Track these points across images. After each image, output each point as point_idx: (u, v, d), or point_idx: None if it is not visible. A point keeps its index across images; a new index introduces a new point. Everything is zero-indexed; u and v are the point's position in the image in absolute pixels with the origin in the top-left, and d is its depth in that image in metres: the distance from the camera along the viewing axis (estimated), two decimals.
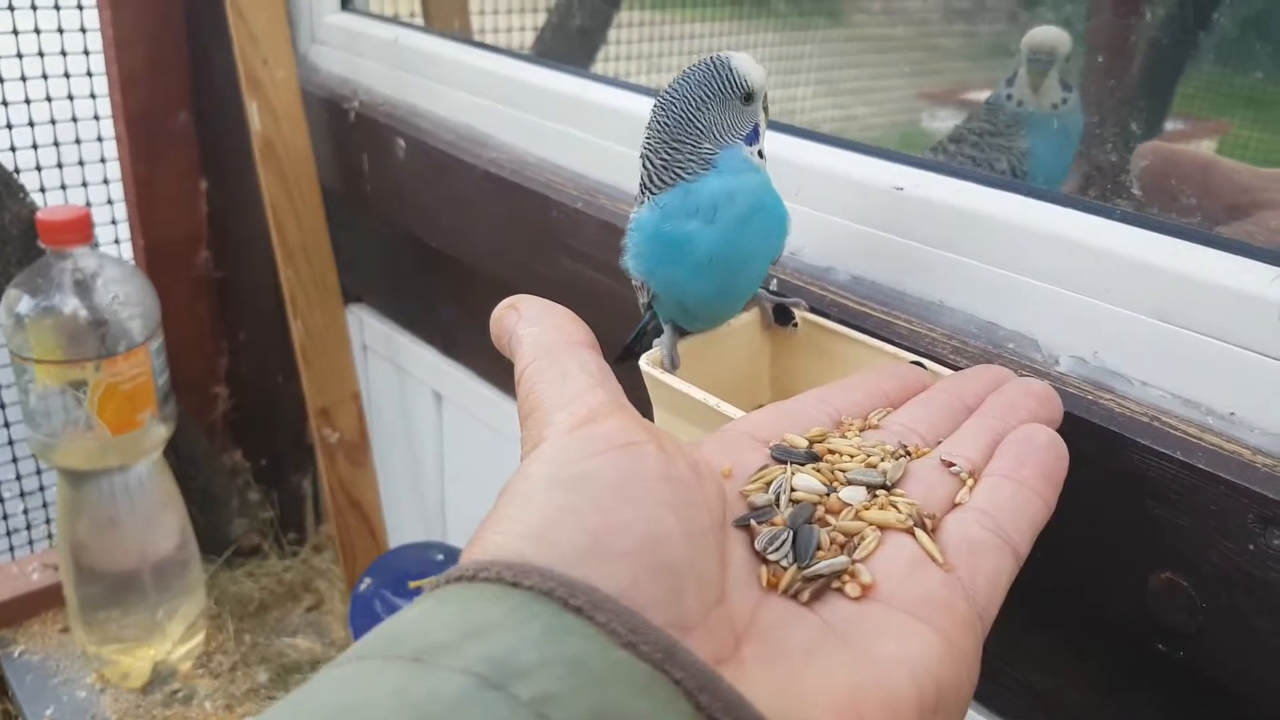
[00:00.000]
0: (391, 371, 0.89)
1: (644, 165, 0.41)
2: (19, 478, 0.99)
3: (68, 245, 0.77)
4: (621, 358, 0.48)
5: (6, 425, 0.96)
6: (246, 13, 0.74)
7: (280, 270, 0.79)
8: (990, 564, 0.27)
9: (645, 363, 0.42)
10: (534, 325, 0.29)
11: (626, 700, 0.19)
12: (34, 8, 0.85)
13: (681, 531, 0.23)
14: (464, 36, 0.73)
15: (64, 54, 0.89)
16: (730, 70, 0.39)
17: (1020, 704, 0.45)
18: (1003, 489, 0.29)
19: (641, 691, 0.19)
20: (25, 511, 1.00)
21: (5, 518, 0.99)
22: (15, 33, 0.85)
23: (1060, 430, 0.35)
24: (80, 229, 0.77)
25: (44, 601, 0.92)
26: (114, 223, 0.97)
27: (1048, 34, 0.51)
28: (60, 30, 0.88)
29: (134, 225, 0.97)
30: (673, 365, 0.43)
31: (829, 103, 1.17)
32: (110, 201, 0.97)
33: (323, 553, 1.04)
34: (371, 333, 0.90)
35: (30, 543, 1.02)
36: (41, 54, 0.88)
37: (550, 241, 0.59)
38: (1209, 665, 0.36)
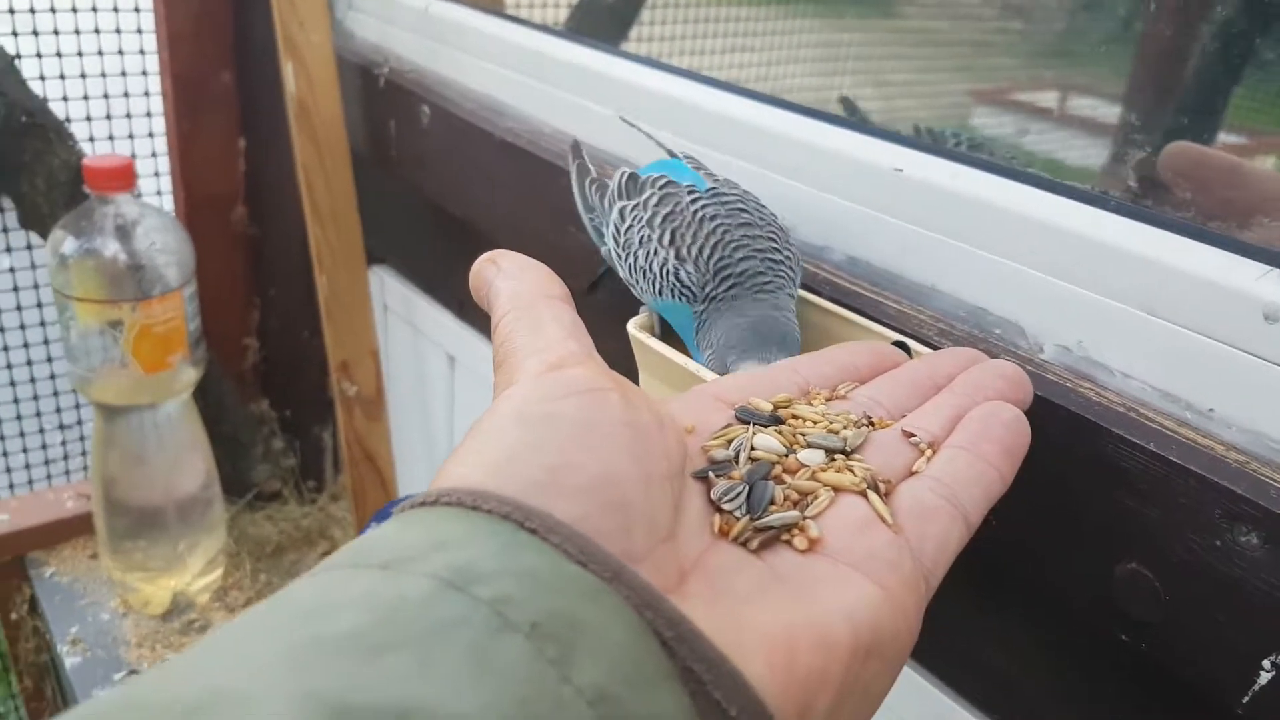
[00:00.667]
0: (409, 333, 0.91)
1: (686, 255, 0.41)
2: (59, 410, 1.03)
3: (111, 191, 0.80)
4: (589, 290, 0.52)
5: (50, 360, 0.99)
6: None
7: (309, 229, 0.81)
8: (939, 529, 0.28)
9: (632, 326, 0.43)
10: (512, 279, 0.30)
11: (577, 606, 0.20)
12: None
13: (637, 474, 0.24)
14: (490, 8, 0.74)
15: (116, 10, 0.91)
16: None
17: (987, 690, 0.46)
18: (959, 459, 0.30)
19: (591, 599, 0.20)
20: (64, 443, 1.04)
21: (45, 447, 1.03)
22: None
23: (1037, 416, 0.36)
24: (123, 177, 0.80)
25: (76, 528, 0.96)
26: (157, 175, 1.00)
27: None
28: None
29: (175, 179, 0.99)
30: (659, 331, 0.43)
31: (873, 93, 1.16)
32: (155, 155, 1.00)
33: (339, 502, 1.08)
34: (392, 294, 0.92)
35: (67, 473, 1.07)
36: (95, 9, 0.90)
37: (559, 211, 0.60)
38: (1170, 658, 0.36)
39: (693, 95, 0.57)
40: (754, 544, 0.26)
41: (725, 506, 0.27)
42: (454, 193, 0.72)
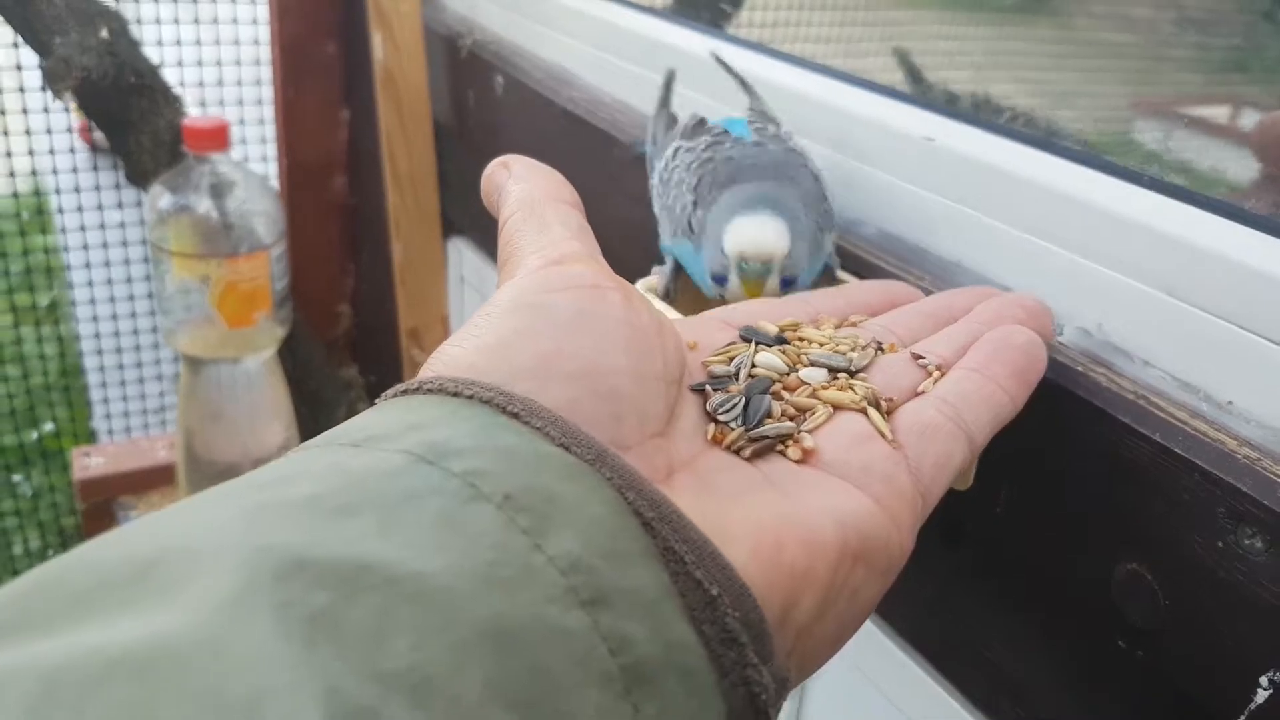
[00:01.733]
0: (482, 304, 0.92)
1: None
2: (159, 362, 1.09)
3: (207, 151, 0.84)
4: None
5: (152, 314, 1.05)
6: None
7: (388, 195, 0.83)
8: (940, 447, 0.27)
9: (641, 286, 0.42)
10: (522, 182, 0.30)
11: (554, 483, 0.20)
12: None
13: (630, 369, 0.24)
14: None
15: None
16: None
17: (991, 690, 0.43)
18: (969, 380, 0.29)
19: (569, 477, 0.20)
20: (161, 394, 1.10)
21: (143, 398, 1.09)
22: None
23: (1046, 401, 0.34)
24: (218, 138, 0.83)
25: (164, 477, 1.01)
26: (264, 141, 1.05)
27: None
28: None
29: (280, 146, 1.04)
30: (666, 294, 0.43)
31: (1035, 104, 1.12)
32: (262, 122, 1.04)
33: None
34: (469, 265, 0.93)
35: (164, 423, 1.12)
36: None
37: (613, 181, 0.59)
38: (1165, 668, 0.34)
39: (729, 56, 0.56)
40: (747, 452, 0.26)
41: (721, 417, 0.26)
42: None
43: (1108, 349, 0.37)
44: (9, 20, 0.78)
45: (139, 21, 0.90)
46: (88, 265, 0.99)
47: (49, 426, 1.30)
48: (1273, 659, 0.30)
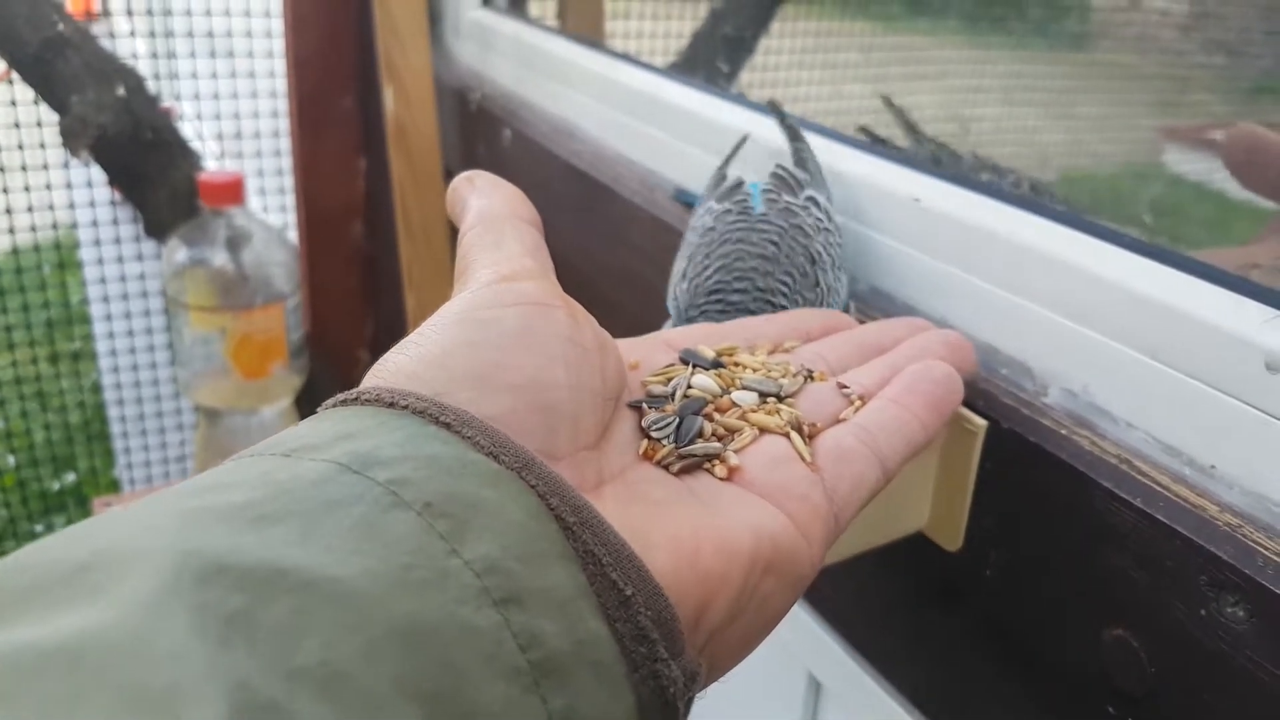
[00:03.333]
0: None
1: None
2: (179, 412, 1.10)
3: (222, 205, 0.86)
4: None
5: (171, 364, 1.07)
6: (391, 6, 0.80)
7: (400, 244, 0.84)
8: (855, 470, 0.28)
9: None
10: (483, 197, 0.30)
11: (475, 490, 0.20)
12: None
13: (568, 384, 0.25)
14: (573, 34, 0.76)
15: (249, 35, 0.98)
16: None
17: None
18: (886, 410, 0.30)
19: (491, 484, 0.21)
20: (183, 444, 1.11)
21: (164, 446, 1.10)
22: (208, 13, 0.95)
23: (1031, 463, 0.35)
24: (233, 192, 0.85)
25: None
26: (282, 191, 1.07)
27: None
28: (247, 13, 0.97)
29: (298, 196, 1.05)
30: None
31: (1059, 125, 1.12)
32: (280, 172, 1.06)
33: None
34: None
35: (185, 472, 1.13)
36: (230, 34, 0.97)
37: (613, 234, 0.60)
38: None
39: (719, 114, 0.57)
40: (676, 468, 0.27)
41: (654, 434, 0.28)
42: None
43: (1092, 410, 0.37)
44: (27, 79, 0.80)
45: (158, 77, 0.93)
46: (109, 317, 1.01)
47: (70, 477, 1.32)
48: None
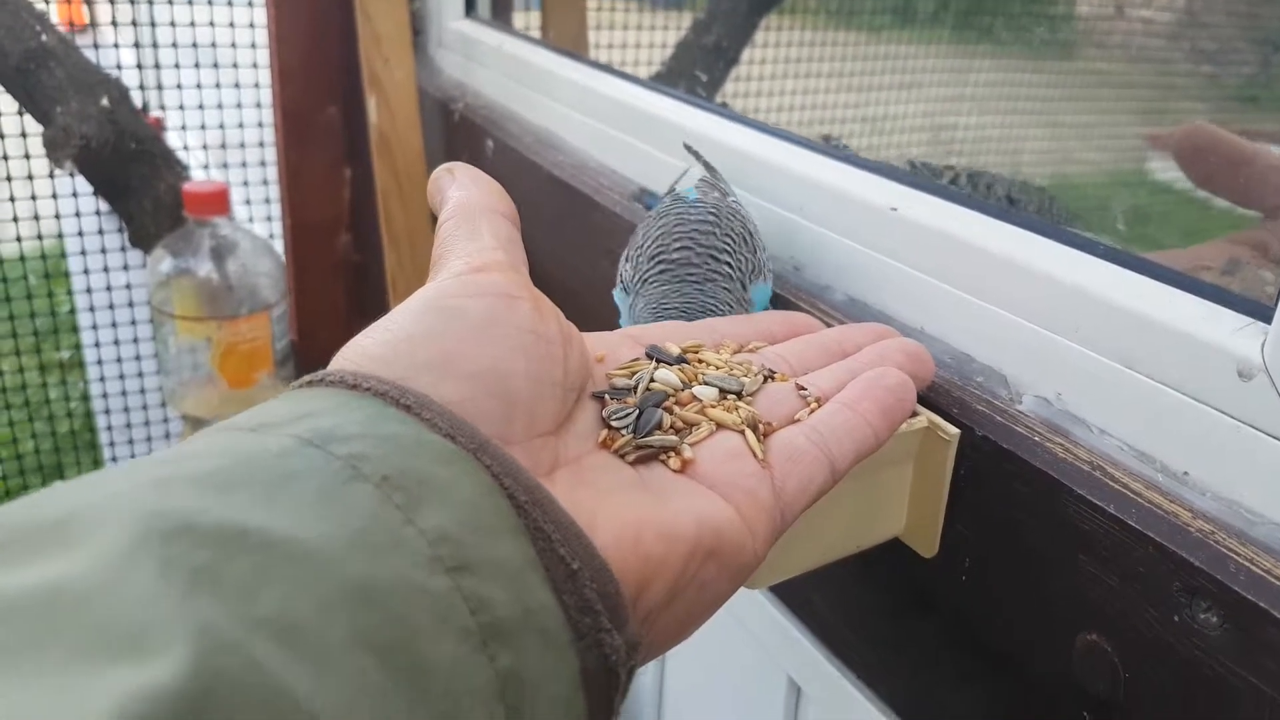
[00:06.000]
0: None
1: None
2: (166, 420, 1.10)
3: (207, 215, 0.86)
4: None
5: (159, 373, 1.07)
6: (373, 16, 0.80)
7: (385, 254, 0.85)
8: (804, 470, 0.29)
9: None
10: (462, 189, 0.31)
11: (431, 467, 0.21)
12: (210, 2, 0.95)
13: (528, 373, 0.26)
14: (555, 45, 0.76)
15: (234, 46, 0.98)
16: None
17: None
18: (840, 414, 0.31)
19: (446, 462, 0.22)
20: None
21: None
22: (192, 25, 0.95)
23: (1005, 470, 0.36)
24: (218, 202, 0.85)
25: None
26: (268, 202, 1.07)
27: None
28: (232, 25, 0.97)
29: (284, 206, 1.05)
30: None
31: (1044, 134, 1.13)
32: (266, 182, 1.06)
33: None
34: None
35: None
36: (215, 45, 0.97)
37: (593, 244, 0.60)
38: None
39: (698, 124, 0.57)
40: (631, 457, 0.28)
41: (614, 424, 0.29)
42: None
43: (1066, 418, 0.37)
44: (10, 90, 0.80)
45: (144, 88, 0.93)
46: (96, 326, 1.01)
47: None
48: None
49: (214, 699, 0.15)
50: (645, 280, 0.42)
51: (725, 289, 0.41)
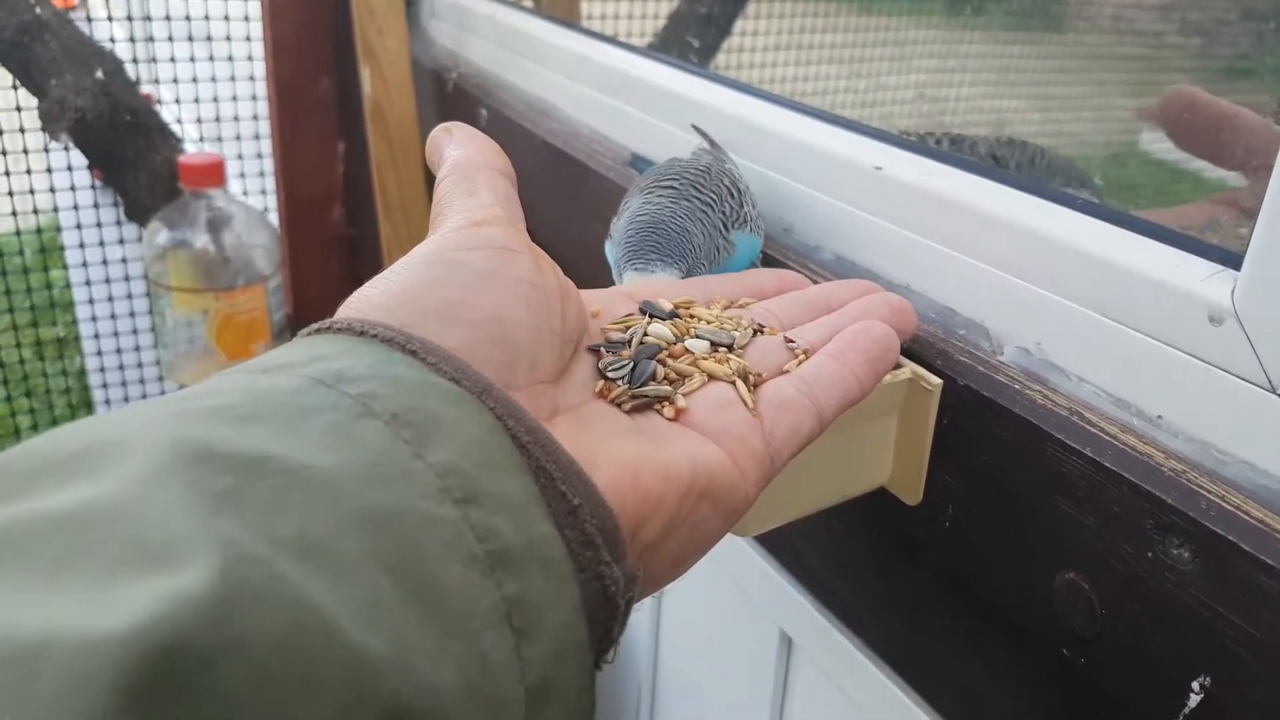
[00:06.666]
0: None
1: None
2: (163, 394, 1.10)
3: (202, 187, 0.86)
4: None
5: (155, 346, 1.07)
6: None
7: (380, 225, 0.85)
8: (793, 419, 0.30)
9: None
10: (460, 147, 0.32)
11: (439, 406, 0.22)
12: None
13: (528, 323, 0.27)
14: (548, 14, 0.76)
15: (227, 19, 0.99)
16: None
17: (956, 700, 0.44)
18: (827, 365, 0.33)
19: (452, 403, 0.23)
20: None
21: None
22: None
23: (986, 417, 0.37)
24: (213, 174, 0.86)
25: None
26: (261, 175, 1.07)
27: None
28: None
29: (278, 179, 1.06)
30: None
31: (1039, 116, 1.14)
32: (260, 155, 1.06)
33: None
34: None
35: None
36: (208, 17, 0.97)
37: (587, 210, 0.61)
38: (1106, 676, 0.35)
39: (689, 90, 0.58)
40: (627, 406, 0.29)
41: (610, 375, 0.30)
42: None
43: (1045, 366, 0.38)
44: (5, 64, 0.81)
45: (137, 60, 0.93)
46: (90, 300, 1.01)
47: None
48: (1203, 665, 0.31)
49: (241, 605, 0.16)
50: (623, 206, 0.43)
51: (703, 213, 0.42)
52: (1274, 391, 0.32)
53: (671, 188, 0.43)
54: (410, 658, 0.18)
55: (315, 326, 0.25)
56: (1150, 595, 0.32)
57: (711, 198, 0.43)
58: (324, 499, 0.19)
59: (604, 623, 0.24)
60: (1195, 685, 0.32)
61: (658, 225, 0.41)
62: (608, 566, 0.23)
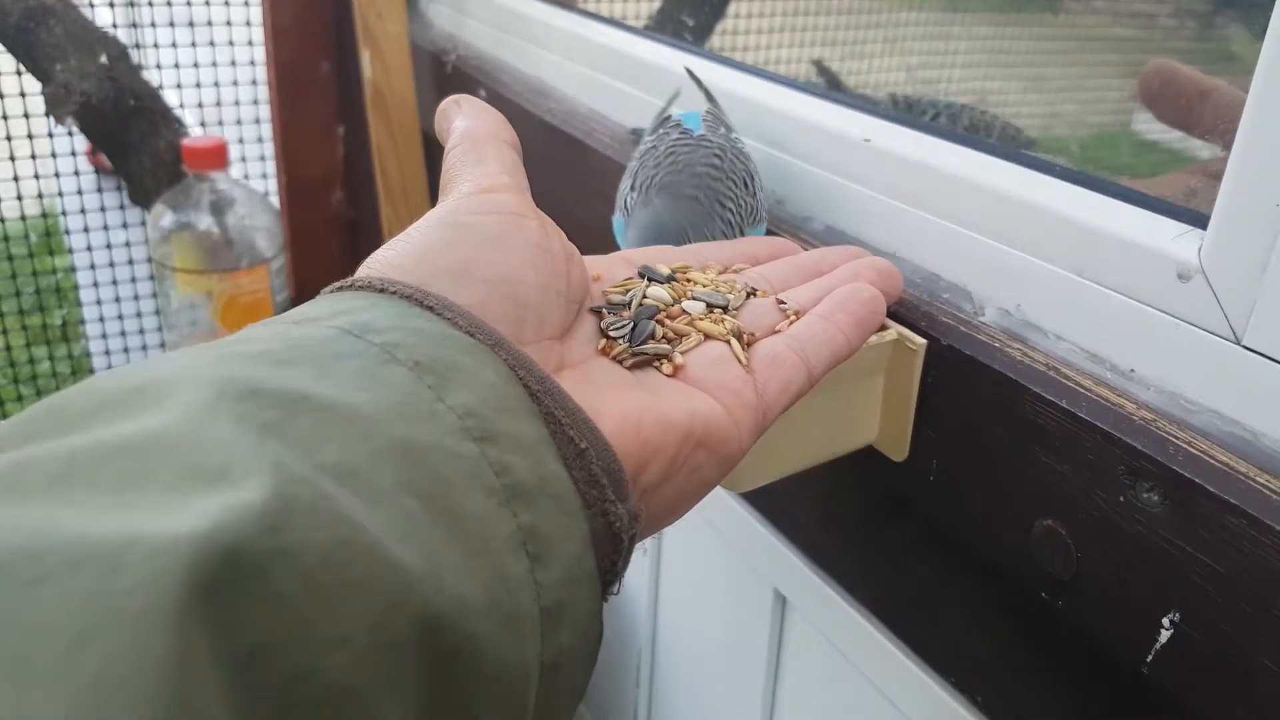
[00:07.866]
0: None
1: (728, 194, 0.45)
2: None
3: (206, 170, 0.88)
4: None
5: (159, 330, 1.09)
6: None
7: (380, 208, 0.87)
8: (784, 374, 0.32)
9: None
10: (468, 119, 0.34)
11: (457, 356, 0.24)
12: None
13: (536, 283, 0.29)
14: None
15: (227, 4, 1.00)
16: None
17: (942, 651, 0.46)
18: (816, 325, 0.34)
19: (468, 353, 0.25)
20: None
21: None
22: None
23: (968, 374, 0.39)
24: (217, 156, 0.87)
25: None
26: (262, 159, 1.08)
27: None
28: None
29: (278, 163, 1.07)
30: None
31: (1036, 99, 1.15)
32: (261, 139, 1.08)
33: None
34: None
35: None
36: (208, 3, 0.99)
37: (586, 188, 0.63)
38: (1083, 617, 0.36)
39: (684, 67, 0.59)
40: (628, 363, 0.31)
41: (611, 334, 0.32)
42: None
43: (1025, 326, 0.40)
44: (10, 49, 0.82)
45: (138, 46, 0.94)
46: (95, 284, 1.03)
47: None
48: (1173, 602, 0.33)
49: (292, 517, 0.18)
50: (640, 209, 0.44)
51: (724, 234, 0.44)
52: (1239, 343, 0.33)
53: (695, 200, 0.44)
54: (440, 571, 0.20)
55: (337, 285, 0.27)
56: (1123, 538, 0.34)
57: (731, 210, 0.44)
58: (359, 431, 0.21)
59: (609, 555, 0.26)
60: (1166, 621, 0.34)
61: (669, 226, 0.43)
62: (612, 505, 0.25)
